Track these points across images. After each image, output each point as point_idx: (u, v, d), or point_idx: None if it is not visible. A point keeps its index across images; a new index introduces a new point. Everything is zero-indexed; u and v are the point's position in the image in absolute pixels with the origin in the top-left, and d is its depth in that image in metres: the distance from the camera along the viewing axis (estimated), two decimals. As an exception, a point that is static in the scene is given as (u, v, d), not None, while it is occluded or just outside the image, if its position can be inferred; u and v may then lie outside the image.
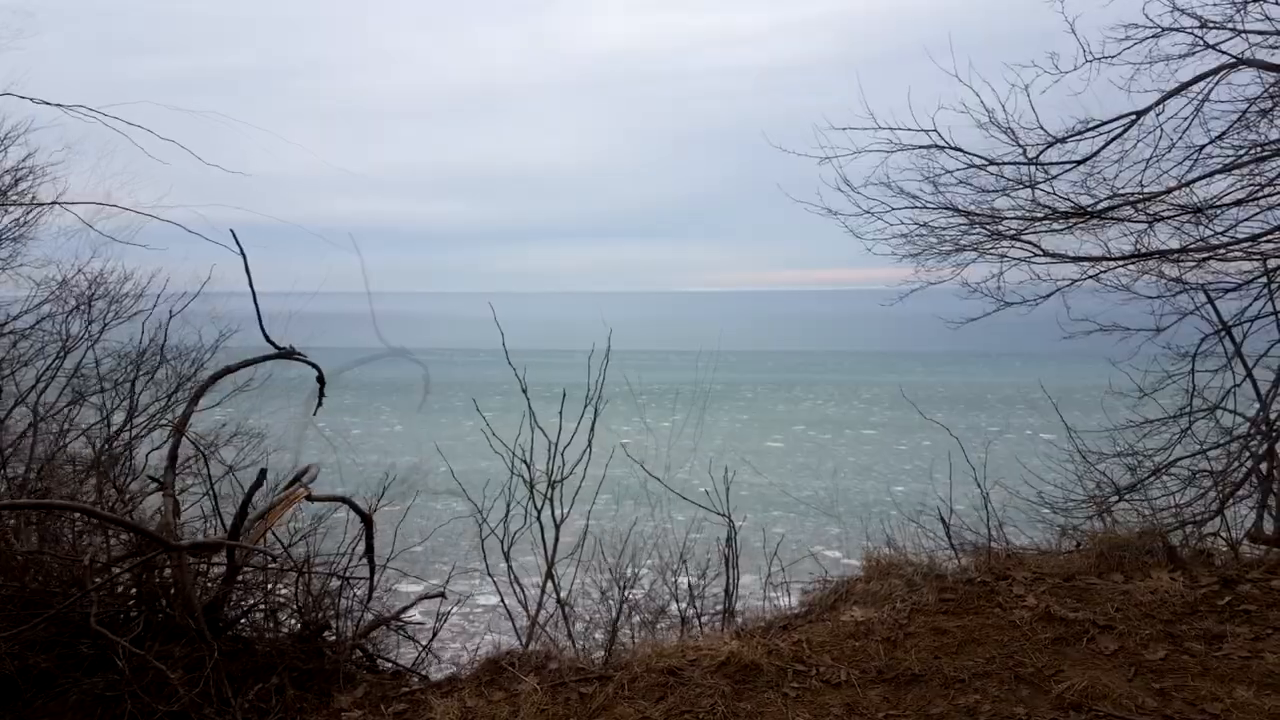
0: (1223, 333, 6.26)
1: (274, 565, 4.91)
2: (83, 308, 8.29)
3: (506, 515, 5.74)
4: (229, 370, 5.67)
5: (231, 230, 4.57)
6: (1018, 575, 4.78)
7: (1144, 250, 6.30)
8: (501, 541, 5.71)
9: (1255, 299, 6.31)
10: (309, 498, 5.10)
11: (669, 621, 6.56)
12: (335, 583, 5.06)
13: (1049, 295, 6.87)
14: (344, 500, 5.55)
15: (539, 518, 5.71)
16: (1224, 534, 5.75)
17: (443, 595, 6.27)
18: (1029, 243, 6.54)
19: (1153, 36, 5.99)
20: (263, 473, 4.56)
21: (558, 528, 5.64)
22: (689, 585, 6.56)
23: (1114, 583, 4.59)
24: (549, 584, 5.46)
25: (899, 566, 5.07)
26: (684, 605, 6.37)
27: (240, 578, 4.84)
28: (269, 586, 4.96)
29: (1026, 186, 6.36)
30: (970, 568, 5.02)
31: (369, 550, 5.48)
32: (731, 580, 5.97)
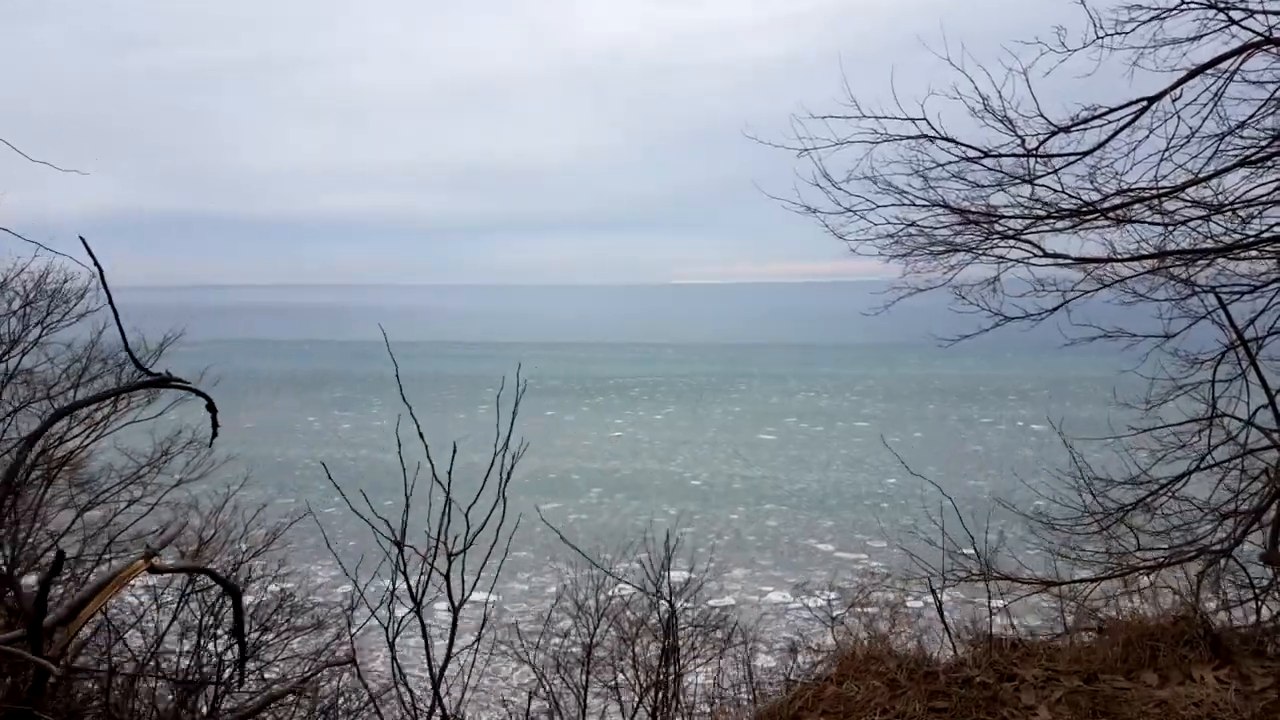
0: (1239, 345, 5.70)
1: (103, 668, 3.93)
2: (19, 310, 7.89)
3: (391, 597, 4.53)
4: (76, 406, 4.97)
5: (81, 237, 3.98)
6: (1026, 673, 3.95)
7: (1154, 250, 5.79)
8: (387, 630, 4.53)
9: (1272, 301, 5.76)
10: (153, 570, 3.89)
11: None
12: (200, 667, 4.19)
13: (1055, 309, 6.29)
14: (202, 570, 4.59)
15: (419, 610, 4.32)
16: (1241, 565, 5.20)
17: (352, 662, 5.42)
18: (1029, 242, 6.03)
19: (1157, 17, 5.33)
20: (60, 557, 3.54)
21: (455, 613, 4.42)
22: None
23: (1147, 686, 3.75)
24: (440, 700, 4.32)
25: (879, 660, 4.19)
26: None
27: (58, 684, 3.91)
28: (102, 694, 4.01)
29: (1025, 181, 5.83)
30: (968, 661, 4.20)
31: (237, 628, 4.41)
32: (670, 685, 5.32)
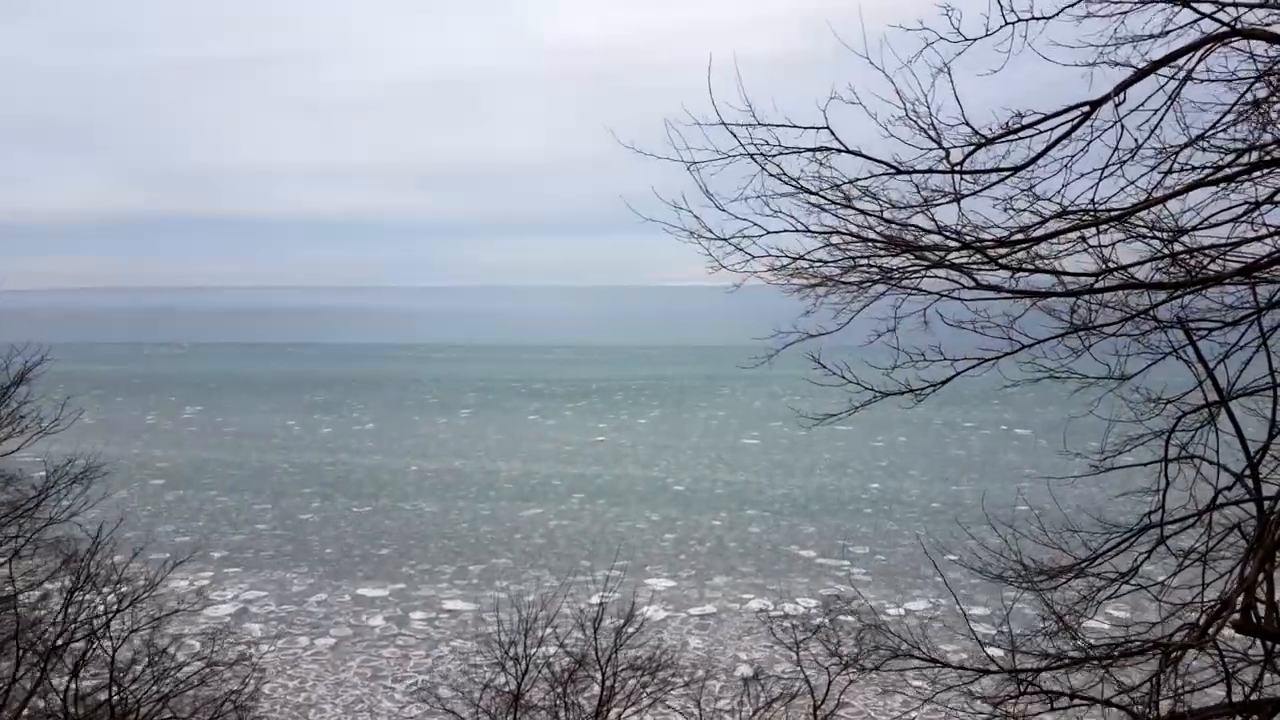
0: (1218, 403, 4.98)
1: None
2: None
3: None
4: None
5: None
6: None
7: (1103, 282, 4.88)
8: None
9: (1245, 337, 5.01)
10: None
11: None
12: None
13: (945, 381, 5.19)
14: None
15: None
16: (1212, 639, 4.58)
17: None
18: (957, 269, 5.03)
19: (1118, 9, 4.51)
20: None
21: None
22: None
23: None
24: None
25: None
26: None
27: None
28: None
29: (949, 200, 4.90)
30: None
31: None
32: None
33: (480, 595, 24.11)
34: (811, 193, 4.83)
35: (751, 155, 4.85)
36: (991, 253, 4.87)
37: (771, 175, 4.82)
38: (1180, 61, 4.43)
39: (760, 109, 4.80)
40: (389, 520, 32.23)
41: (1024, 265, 4.87)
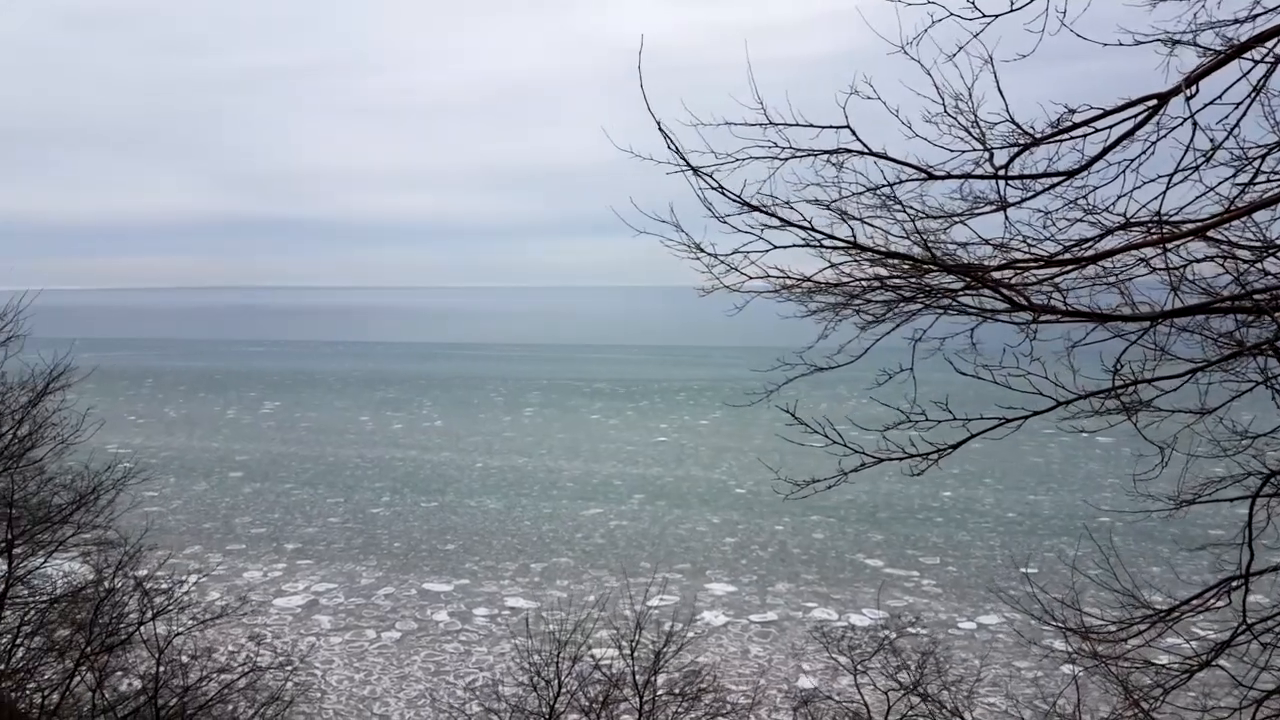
0: None
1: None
2: None
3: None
4: None
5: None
6: None
7: (1178, 302, 4.19)
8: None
9: None
10: None
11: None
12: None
13: (959, 444, 4.58)
14: None
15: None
16: None
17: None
18: (1006, 287, 4.30)
19: None
20: None
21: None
22: None
23: None
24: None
25: None
26: None
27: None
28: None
29: (993, 209, 4.28)
30: None
31: None
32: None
33: (541, 594, 24.25)
34: (755, 208, 4.26)
35: (695, 169, 4.21)
36: (1041, 272, 4.17)
37: (712, 188, 4.27)
38: (1268, 45, 3.78)
39: (783, 111, 4.21)
40: (455, 516, 32.78)
41: (1068, 292, 4.20)
